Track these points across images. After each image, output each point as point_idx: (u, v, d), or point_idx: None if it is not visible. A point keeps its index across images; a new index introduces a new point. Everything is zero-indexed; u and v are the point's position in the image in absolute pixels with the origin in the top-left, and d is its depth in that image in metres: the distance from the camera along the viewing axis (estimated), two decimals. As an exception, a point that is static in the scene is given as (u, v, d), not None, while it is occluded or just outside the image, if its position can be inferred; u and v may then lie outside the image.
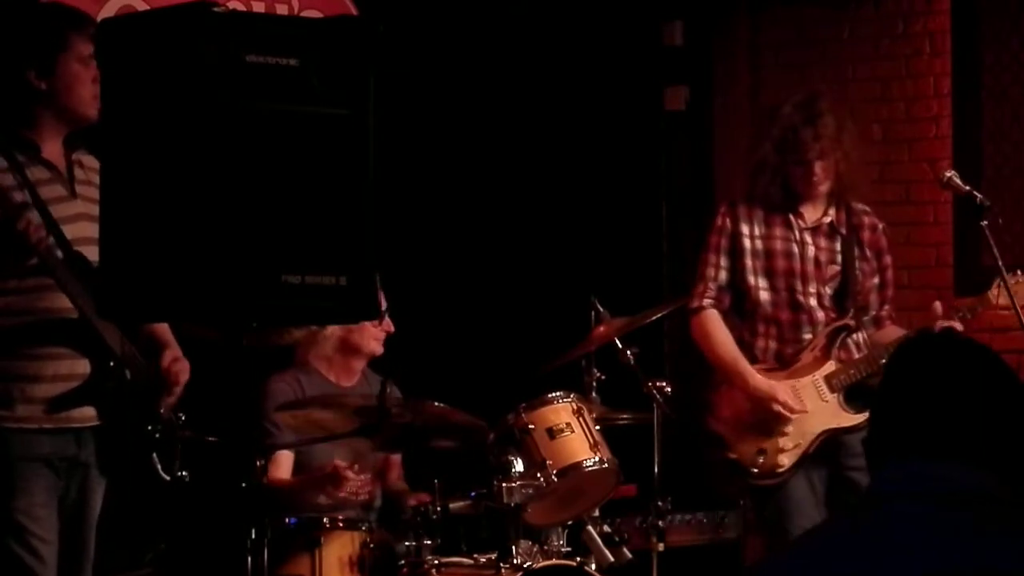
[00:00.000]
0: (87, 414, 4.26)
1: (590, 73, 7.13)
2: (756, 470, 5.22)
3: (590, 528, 5.10)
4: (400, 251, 5.28)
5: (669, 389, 5.39)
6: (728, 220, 5.32)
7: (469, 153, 6.71)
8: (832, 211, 5.32)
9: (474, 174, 6.72)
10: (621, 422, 5.42)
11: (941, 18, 7.05)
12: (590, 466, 4.98)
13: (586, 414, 5.06)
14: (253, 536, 3.34)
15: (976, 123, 6.94)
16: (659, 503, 5.37)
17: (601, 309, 5.44)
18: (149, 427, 4.29)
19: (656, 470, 5.40)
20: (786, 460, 5.20)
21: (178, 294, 3.15)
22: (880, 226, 5.41)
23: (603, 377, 5.38)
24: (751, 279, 5.29)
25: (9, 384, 4.19)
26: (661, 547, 5.38)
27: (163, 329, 4.40)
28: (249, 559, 3.31)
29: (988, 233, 5.25)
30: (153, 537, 5.23)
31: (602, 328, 5.39)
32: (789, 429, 5.20)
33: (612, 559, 5.06)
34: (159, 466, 4.30)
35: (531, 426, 4.95)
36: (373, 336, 5.30)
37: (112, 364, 4.25)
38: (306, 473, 5.13)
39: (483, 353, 6.47)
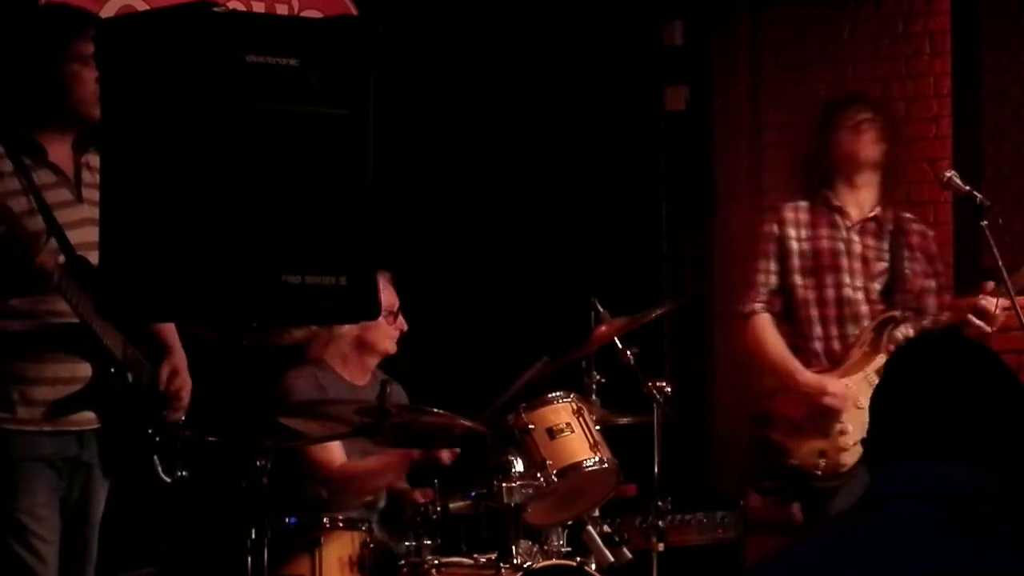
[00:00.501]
0: (87, 417, 4.26)
1: (590, 73, 7.13)
2: (819, 472, 5.23)
3: (590, 528, 5.10)
4: (400, 251, 5.28)
5: (669, 389, 5.39)
6: (775, 226, 5.41)
7: (469, 153, 6.71)
8: (879, 209, 5.37)
9: (474, 174, 6.72)
10: (621, 423, 5.41)
11: (941, 18, 7.05)
12: (590, 466, 4.98)
13: (586, 414, 5.06)
14: (253, 536, 3.34)
15: (976, 123, 6.94)
16: (659, 503, 5.37)
17: (601, 309, 5.44)
18: (150, 430, 4.29)
19: (656, 470, 5.40)
20: (848, 459, 5.21)
21: (178, 294, 3.15)
22: (930, 233, 5.48)
23: (603, 380, 5.37)
24: (797, 278, 5.36)
25: (9, 386, 4.18)
26: (661, 547, 5.38)
27: (168, 330, 4.39)
28: (249, 559, 3.31)
29: (988, 233, 5.25)
30: (154, 537, 5.23)
31: (602, 328, 5.39)
32: (848, 427, 5.22)
33: (612, 559, 5.06)
34: (160, 468, 4.30)
35: (531, 426, 4.96)
36: (388, 335, 5.31)
37: (113, 369, 4.24)
38: (374, 457, 5.16)
39: (483, 353, 6.47)
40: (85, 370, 4.22)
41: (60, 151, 4.27)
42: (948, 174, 5.42)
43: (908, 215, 5.49)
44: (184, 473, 4.34)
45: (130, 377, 4.27)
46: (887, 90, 7.14)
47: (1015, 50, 6.91)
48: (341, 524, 4.87)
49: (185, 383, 4.37)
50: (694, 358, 7.36)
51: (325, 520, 4.85)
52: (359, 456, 5.18)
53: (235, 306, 3.16)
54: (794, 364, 5.30)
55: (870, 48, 7.21)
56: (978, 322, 5.21)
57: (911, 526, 2.04)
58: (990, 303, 5.21)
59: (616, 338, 5.35)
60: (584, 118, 7.08)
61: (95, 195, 4.20)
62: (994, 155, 6.92)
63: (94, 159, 4.29)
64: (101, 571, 4.43)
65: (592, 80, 7.13)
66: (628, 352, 5.36)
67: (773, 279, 5.39)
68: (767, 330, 5.38)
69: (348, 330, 5.26)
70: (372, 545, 4.84)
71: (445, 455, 5.10)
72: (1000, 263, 5.15)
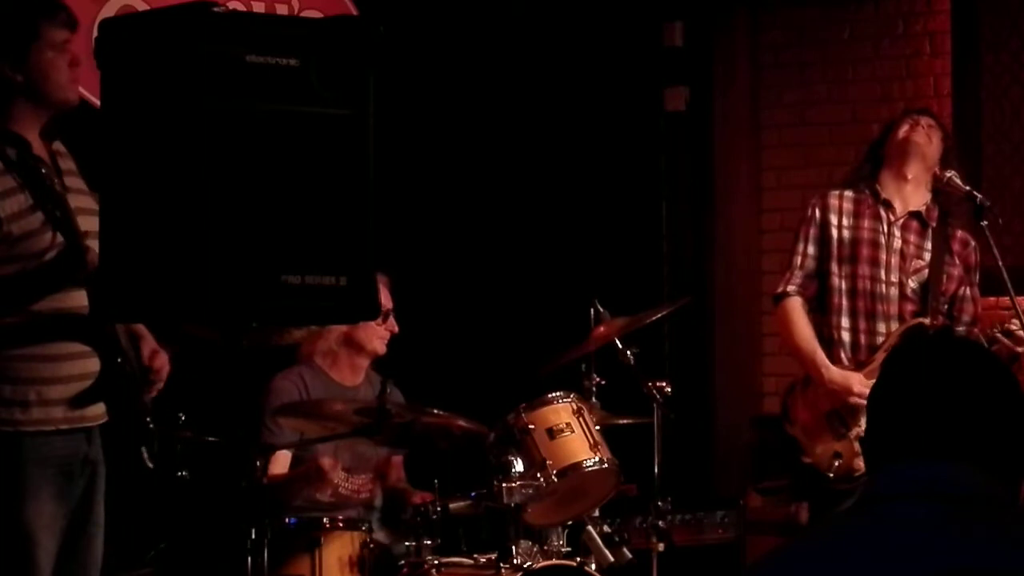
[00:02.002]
0: (99, 411, 4.25)
1: (590, 74, 7.13)
2: (832, 474, 5.23)
3: (590, 528, 5.10)
4: (401, 252, 5.29)
5: (669, 389, 5.39)
6: (817, 210, 5.41)
7: (469, 154, 6.72)
8: (925, 205, 5.37)
9: (474, 175, 6.73)
10: (621, 423, 5.42)
11: (941, 18, 7.06)
12: (590, 466, 4.98)
13: (586, 414, 5.06)
14: (253, 536, 3.34)
15: (976, 123, 6.95)
16: (659, 503, 5.38)
17: (601, 309, 5.44)
18: (147, 419, 4.28)
19: (656, 470, 5.40)
20: (862, 463, 5.19)
21: (178, 294, 3.15)
22: (972, 243, 5.44)
23: (603, 382, 5.37)
24: (834, 266, 5.36)
25: (25, 387, 4.15)
26: (661, 547, 5.38)
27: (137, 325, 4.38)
28: (249, 559, 3.31)
29: (988, 233, 5.26)
30: (154, 536, 5.23)
31: (602, 328, 5.39)
32: (864, 432, 5.19)
33: (612, 559, 5.06)
34: (145, 455, 4.26)
35: (531, 426, 4.95)
36: (377, 335, 5.31)
37: (119, 359, 4.24)
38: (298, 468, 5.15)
39: (484, 353, 6.48)
40: (95, 364, 4.21)
41: (36, 142, 4.24)
42: (948, 174, 5.42)
43: (954, 221, 5.47)
44: (183, 472, 4.33)
45: (127, 368, 4.26)
46: (887, 90, 7.15)
47: (1015, 50, 6.91)
48: (341, 524, 4.87)
49: (165, 363, 4.35)
50: (694, 358, 7.36)
51: (325, 520, 4.85)
52: (348, 456, 5.18)
53: (235, 306, 3.16)
54: (822, 359, 5.28)
55: (870, 48, 7.22)
56: (1007, 341, 5.21)
57: (910, 526, 2.04)
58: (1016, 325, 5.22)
59: (616, 338, 5.35)
60: (584, 119, 7.09)
61: (75, 183, 4.20)
62: (994, 155, 6.92)
63: (62, 148, 4.26)
64: (101, 570, 4.42)
65: (592, 81, 7.13)
66: (628, 352, 5.36)
67: (811, 263, 5.39)
68: (797, 314, 5.36)
69: (335, 326, 5.26)
70: (372, 545, 4.84)
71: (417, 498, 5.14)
72: (1000, 263, 5.15)
